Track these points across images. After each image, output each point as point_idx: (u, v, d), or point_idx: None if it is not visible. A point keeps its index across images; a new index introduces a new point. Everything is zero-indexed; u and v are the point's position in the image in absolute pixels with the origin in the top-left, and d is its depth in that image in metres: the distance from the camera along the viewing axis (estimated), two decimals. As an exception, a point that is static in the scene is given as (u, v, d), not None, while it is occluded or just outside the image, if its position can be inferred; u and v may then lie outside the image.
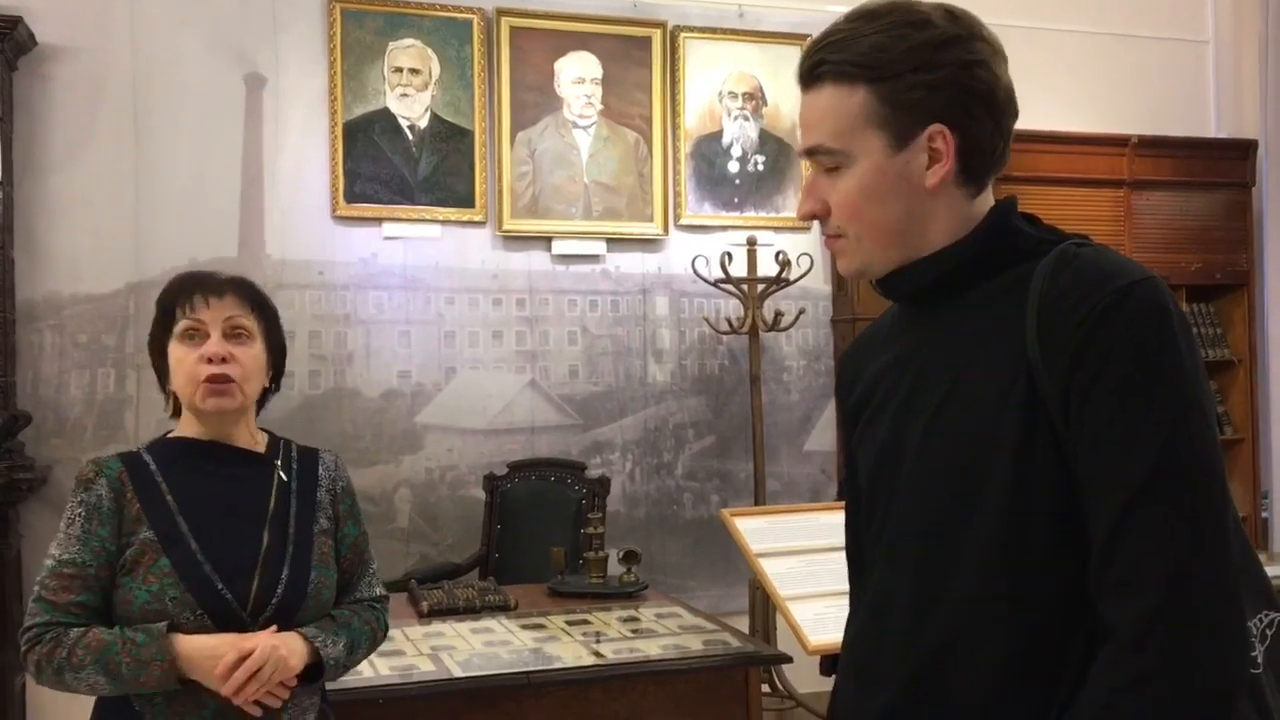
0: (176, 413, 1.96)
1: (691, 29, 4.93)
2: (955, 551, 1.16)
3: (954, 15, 1.22)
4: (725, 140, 5.00)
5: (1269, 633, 1.15)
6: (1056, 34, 5.31)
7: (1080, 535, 1.10)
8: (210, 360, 1.83)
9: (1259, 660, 1.14)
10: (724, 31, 4.99)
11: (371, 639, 1.98)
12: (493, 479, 4.17)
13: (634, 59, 4.88)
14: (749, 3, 5.04)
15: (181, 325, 1.86)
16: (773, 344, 4.96)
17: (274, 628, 1.80)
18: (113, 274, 4.22)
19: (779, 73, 5.03)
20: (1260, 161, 5.23)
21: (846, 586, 2.55)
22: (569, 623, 2.79)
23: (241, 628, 1.78)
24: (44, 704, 3.97)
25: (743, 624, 4.50)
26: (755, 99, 5.04)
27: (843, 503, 2.79)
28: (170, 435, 1.96)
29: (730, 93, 5.01)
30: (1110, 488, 1.07)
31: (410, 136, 4.59)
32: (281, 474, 1.95)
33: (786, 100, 5.05)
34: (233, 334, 1.87)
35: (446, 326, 4.64)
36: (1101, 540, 1.07)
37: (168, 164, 4.28)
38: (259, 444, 1.97)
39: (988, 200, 1.26)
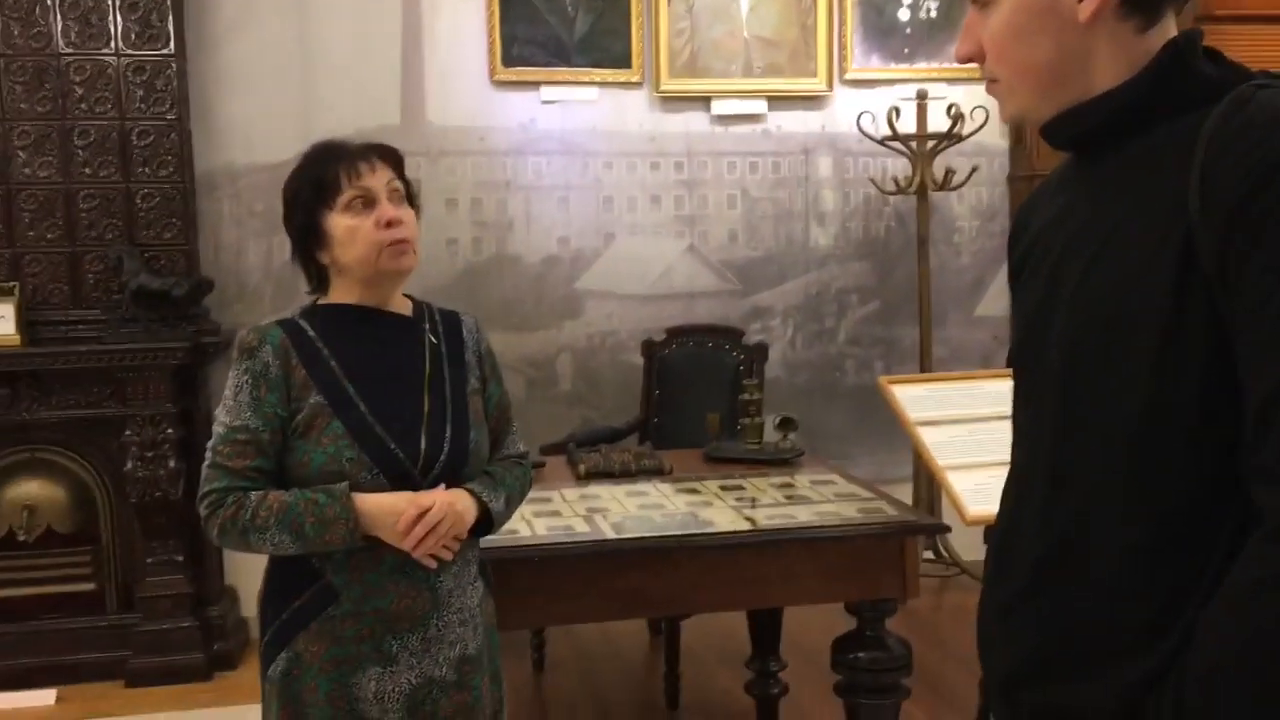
0: (317, 288, 2.00)
1: None
2: (1093, 424, 1.09)
3: None
4: (895, -14, 4.71)
5: None
6: None
7: (1232, 414, 1.00)
8: (390, 224, 1.85)
9: None
10: None
11: (522, 493, 2.04)
12: (651, 345, 4.17)
13: (797, -98, 4.61)
14: None
15: (348, 194, 1.87)
16: (943, 204, 4.74)
17: (443, 485, 1.85)
18: (284, 143, 4.29)
19: (954, -90, 4.68)
20: None
21: (1009, 456, 2.45)
22: (723, 488, 2.79)
23: (414, 485, 1.84)
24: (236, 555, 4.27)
25: (905, 492, 4.43)
26: (928, -60, 4.72)
27: (1009, 370, 2.67)
28: (321, 303, 1.99)
29: (901, -66, 4.70)
30: (1265, 364, 0.96)
31: (566, -4, 4.50)
32: (431, 337, 1.98)
33: (962, -60, 4.71)
34: (395, 197, 1.90)
35: (604, 191, 4.60)
36: (1254, 420, 0.97)
37: (330, 32, 4.32)
38: (406, 309, 2.01)
39: (1165, 34, 1.12)
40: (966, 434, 2.44)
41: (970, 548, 4.41)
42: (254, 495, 1.80)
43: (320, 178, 1.91)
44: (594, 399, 4.56)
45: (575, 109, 4.55)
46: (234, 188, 4.30)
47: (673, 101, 4.60)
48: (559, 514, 2.56)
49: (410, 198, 1.96)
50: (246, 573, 4.28)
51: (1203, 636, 1.00)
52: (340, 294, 1.97)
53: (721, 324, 4.42)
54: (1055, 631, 1.12)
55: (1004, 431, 2.48)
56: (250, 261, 4.34)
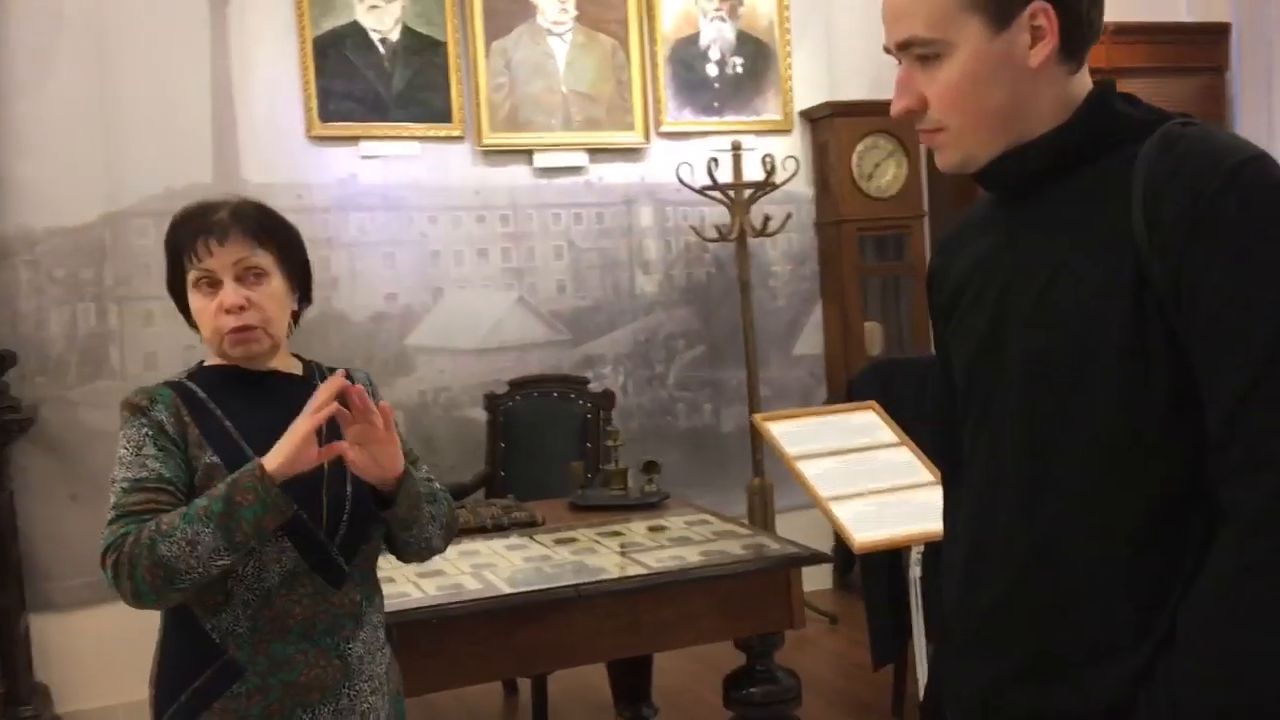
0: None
1: (665, -72, 4.80)
2: (1063, 441, 1.15)
3: None
4: (703, 43, 4.90)
5: None
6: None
7: (1193, 421, 1.09)
8: (229, 311, 1.76)
9: None
10: (698, -70, 4.86)
11: (449, 512, 1.92)
12: (494, 398, 4.13)
13: (607, -39, 4.74)
14: (721, -101, 4.90)
15: (193, 274, 1.78)
16: (757, 250, 4.93)
17: (353, 545, 1.78)
18: (86, 205, 4.06)
19: (754, -29, 4.93)
20: (1233, 46, 5.24)
21: (882, 485, 2.57)
22: (600, 535, 2.79)
23: (322, 549, 1.76)
24: (49, 644, 3.93)
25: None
26: (731, -1, 4.94)
27: (869, 404, 2.79)
28: (207, 364, 1.90)
29: (706, -7, 4.90)
30: (1227, 370, 1.05)
31: (382, 50, 4.45)
32: None
33: None
34: (247, 276, 1.78)
35: (431, 246, 4.55)
36: (1219, 423, 1.06)
37: (134, 86, 4.11)
38: (296, 368, 1.94)
39: (1085, 80, 1.22)
40: (841, 465, 2.54)
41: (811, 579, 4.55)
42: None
43: (173, 250, 1.81)
44: (431, 456, 4.45)
45: (396, 164, 4.49)
46: (32, 253, 4.00)
47: (495, 155, 4.61)
48: (443, 573, 2.49)
49: (283, 262, 1.85)
50: (60, 667, 3.95)
51: (1188, 630, 1.07)
52: (223, 355, 1.88)
53: (564, 373, 4.44)
54: (1039, 637, 1.17)
55: (873, 462, 2.61)
56: (53, 332, 4.03)
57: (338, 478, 1.82)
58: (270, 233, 1.82)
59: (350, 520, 1.81)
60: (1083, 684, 1.14)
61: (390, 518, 1.81)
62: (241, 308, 1.76)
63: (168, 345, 4.09)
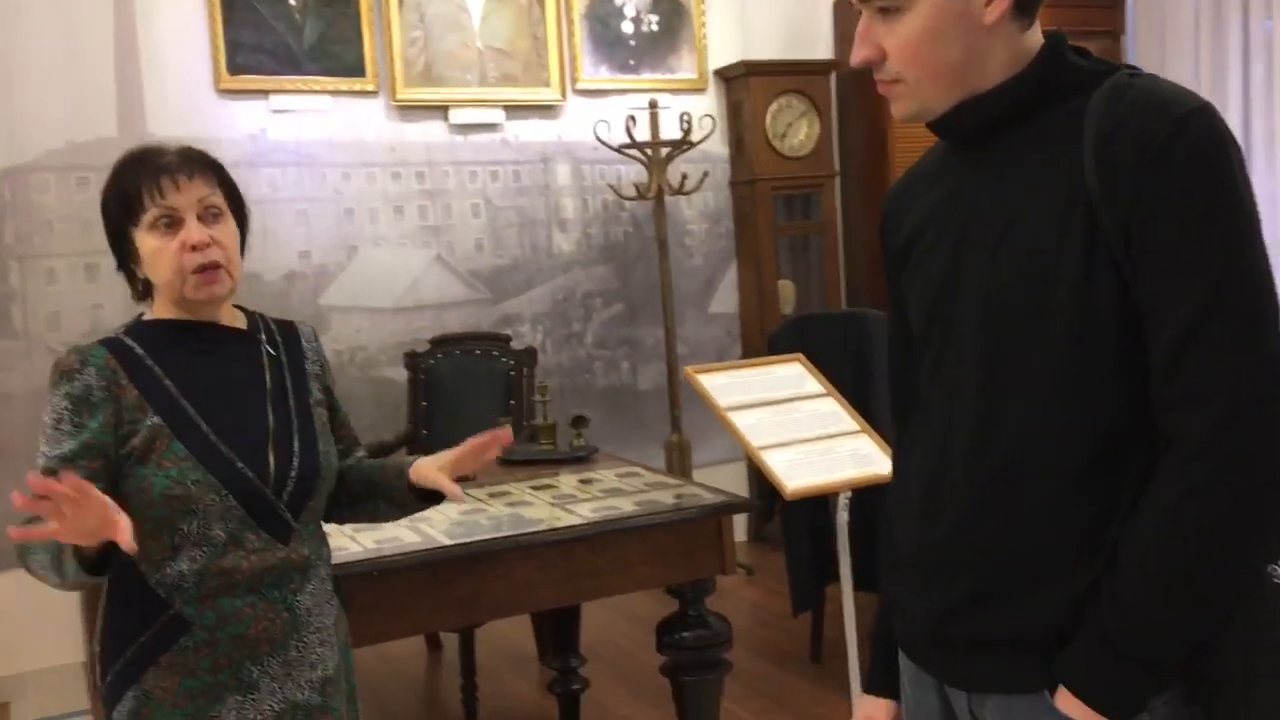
0: (142, 296, 1.86)
1: (580, -117, 4.77)
2: (1019, 376, 1.21)
3: None
4: (618, 0, 4.89)
5: None
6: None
7: (1139, 357, 1.15)
8: (195, 248, 1.73)
9: None
10: (613, -115, 4.83)
11: None
12: (415, 356, 4.11)
13: (521, -85, 4.69)
14: None
15: (151, 213, 1.73)
16: (673, 209, 4.96)
17: (302, 501, 1.78)
18: (-17, 159, 3.91)
19: (669, -71, 4.93)
20: (1128, 11, 5.41)
21: (810, 434, 2.64)
22: (534, 488, 2.81)
23: (266, 504, 1.74)
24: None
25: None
26: (646, -43, 4.93)
27: (795, 356, 2.85)
28: (146, 319, 1.85)
29: (621, -50, 4.89)
30: (1173, 308, 1.12)
31: (293, 1, 4.34)
32: (269, 349, 1.89)
33: (678, -42, 4.96)
34: (207, 215, 1.76)
35: (345, 203, 4.48)
36: (1165, 358, 1.13)
37: (33, 38, 3.95)
38: (240, 321, 1.90)
39: (1037, 34, 1.27)
40: (770, 415, 2.60)
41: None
42: None
43: (125, 192, 1.76)
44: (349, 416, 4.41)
45: (309, 118, 4.40)
46: (-74, 208, 3.84)
47: (410, 111, 4.55)
48: (379, 527, 2.49)
49: (237, 210, 1.84)
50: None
51: (1131, 551, 1.15)
52: (165, 309, 1.83)
53: (487, 330, 4.43)
54: (991, 563, 1.24)
55: (801, 411, 2.67)
56: (-50, 290, 3.88)
57: (284, 436, 1.81)
58: (221, 174, 1.80)
59: (298, 478, 1.80)
60: (1029, 606, 1.21)
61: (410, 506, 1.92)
62: (208, 245, 1.73)
63: (72, 304, 3.97)
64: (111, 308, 3.90)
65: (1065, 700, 1.17)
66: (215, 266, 1.74)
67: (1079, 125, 1.18)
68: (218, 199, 1.78)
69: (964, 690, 1.29)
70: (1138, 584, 1.14)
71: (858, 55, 1.28)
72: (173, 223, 1.73)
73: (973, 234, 1.26)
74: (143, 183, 1.74)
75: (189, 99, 4.19)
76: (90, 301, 3.99)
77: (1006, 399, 1.22)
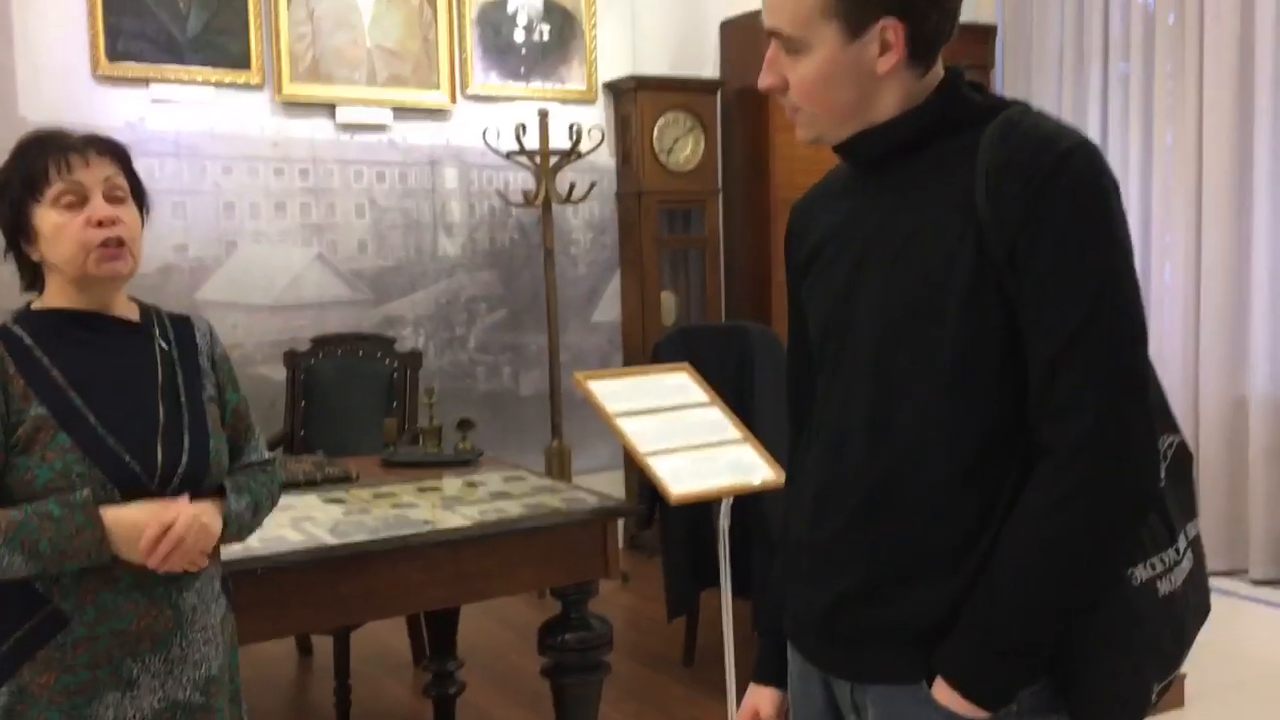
0: (30, 285, 1.83)
1: (476, -111, 4.78)
2: (909, 384, 1.29)
3: None
4: (510, 8, 4.92)
5: (1169, 453, 1.36)
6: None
7: (1020, 369, 1.25)
8: (101, 224, 1.71)
9: (1162, 478, 1.35)
10: (509, -106, 4.86)
11: (271, 500, 1.98)
12: (295, 355, 4.05)
13: (416, -83, 4.68)
14: None
15: (56, 188, 1.72)
16: (559, 217, 5.00)
17: (185, 496, 1.75)
18: None
19: (563, -59, 4.98)
20: (998, 45, 5.68)
21: (695, 441, 2.70)
22: (420, 490, 2.81)
23: (152, 499, 1.72)
24: None
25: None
26: (540, -33, 4.97)
27: (682, 365, 2.92)
28: (36, 307, 1.82)
29: (515, -41, 4.92)
30: (1051, 328, 1.22)
31: (178, -11, 4.25)
32: (162, 343, 1.87)
33: (571, -30, 5.02)
34: (112, 195, 1.76)
35: (225, 197, 4.40)
36: (1041, 372, 1.23)
37: (-106, 9, 3.78)
38: (133, 313, 1.88)
39: (937, 71, 1.36)
40: (657, 422, 2.66)
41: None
42: None
43: (29, 168, 1.75)
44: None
45: (190, 109, 4.31)
46: None
47: (296, 107, 4.49)
48: (262, 526, 2.46)
49: (138, 197, 1.84)
50: None
51: (1007, 550, 1.24)
52: (57, 297, 1.81)
53: (371, 332, 4.39)
54: (880, 558, 1.32)
55: (687, 419, 2.74)
56: None
57: (174, 431, 1.80)
58: (126, 161, 1.81)
59: (185, 475, 1.78)
60: (912, 601, 1.29)
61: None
62: (114, 222, 1.72)
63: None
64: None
65: (941, 690, 1.25)
66: (120, 244, 1.74)
67: (973, 156, 1.27)
68: (123, 182, 1.79)
69: (848, 680, 1.36)
70: (1012, 582, 1.23)
71: (764, 81, 1.35)
72: (77, 200, 1.72)
73: (871, 252, 1.34)
74: (49, 158, 1.73)
75: (65, 84, 4.06)
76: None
77: (896, 404, 1.30)
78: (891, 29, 1.27)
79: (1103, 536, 1.21)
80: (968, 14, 5.71)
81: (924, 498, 1.29)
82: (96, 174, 1.73)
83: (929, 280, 1.28)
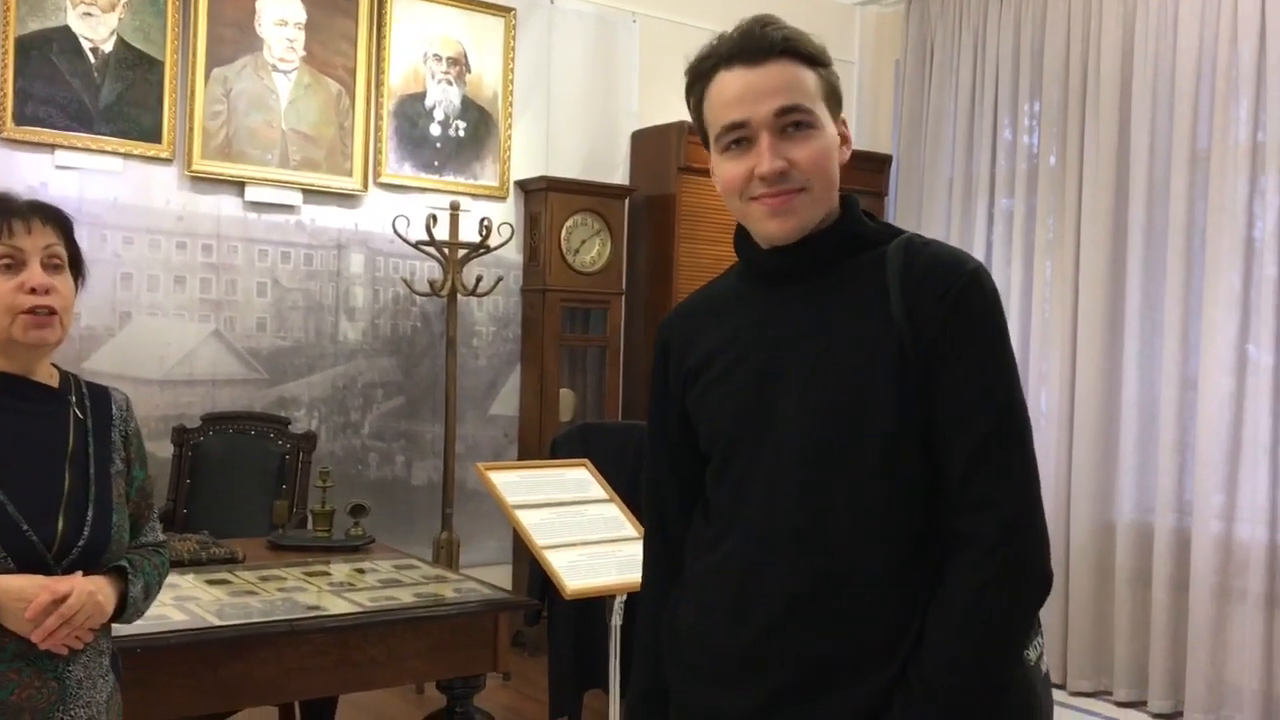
0: None
1: (402, -14, 4.89)
2: (838, 487, 1.36)
3: None
4: (428, 102, 5.01)
5: None
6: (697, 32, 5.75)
7: (935, 468, 1.35)
8: (34, 291, 1.71)
9: None
10: (434, -7, 4.99)
11: (159, 584, 1.95)
12: (184, 431, 3.96)
13: (340, 8, 4.76)
14: (460, -32, 5.06)
15: None
16: (464, 309, 5.03)
17: (80, 571, 1.72)
18: None
19: (483, 41, 5.11)
20: (892, 174, 5.97)
21: (592, 536, 2.73)
22: (307, 574, 2.77)
23: (45, 572, 1.69)
24: None
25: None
26: (460, 64, 5.08)
27: (582, 461, 2.96)
28: None
29: (435, 55, 5.02)
30: (967, 428, 1.34)
31: (92, 60, 4.24)
32: (78, 412, 1.86)
33: (490, 69, 5.14)
34: (50, 264, 1.76)
35: (124, 268, 4.33)
36: (959, 468, 1.33)
37: None
38: (53, 379, 1.87)
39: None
40: (555, 516, 2.69)
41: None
42: None
43: None
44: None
45: (95, 178, 4.26)
46: None
47: (204, 183, 4.47)
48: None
49: (75, 268, 1.84)
50: None
51: (934, 635, 1.32)
52: None
53: (265, 412, 4.32)
54: (811, 657, 1.36)
55: (585, 514, 2.77)
56: None
57: (78, 501, 1.77)
58: (68, 231, 1.82)
59: (85, 547, 1.76)
60: (847, 696, 1.34)
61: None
62: (48, 290, 1.71)
63: None
64: None
65: None
66: (50, 312, 1.74)
67: (879, 273, 1.39)
68: (62, 251, 1.80)
69: None
70: (940, 667, 1.31)
71: (774, 165, 1.37)
72: (14, 265, 1.73)
73: (782, 361, 1.41)
74: None
75: (-35, 142, 3.98)
76: None
77: (826, 506, 1.36)
78: (844, 123, 1.43)
79: (1017, 618, 1.33)
80: (866, 144, 6.06)
81: (859, 595, 1.35)
82: (38, 241, 1.75)
83: (851, 386, 1.36)
